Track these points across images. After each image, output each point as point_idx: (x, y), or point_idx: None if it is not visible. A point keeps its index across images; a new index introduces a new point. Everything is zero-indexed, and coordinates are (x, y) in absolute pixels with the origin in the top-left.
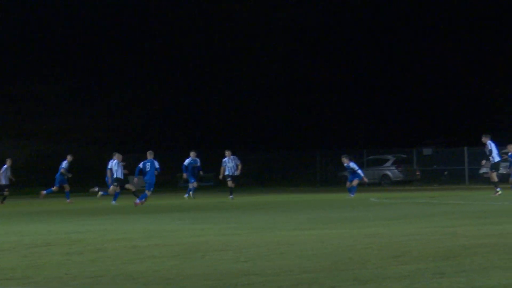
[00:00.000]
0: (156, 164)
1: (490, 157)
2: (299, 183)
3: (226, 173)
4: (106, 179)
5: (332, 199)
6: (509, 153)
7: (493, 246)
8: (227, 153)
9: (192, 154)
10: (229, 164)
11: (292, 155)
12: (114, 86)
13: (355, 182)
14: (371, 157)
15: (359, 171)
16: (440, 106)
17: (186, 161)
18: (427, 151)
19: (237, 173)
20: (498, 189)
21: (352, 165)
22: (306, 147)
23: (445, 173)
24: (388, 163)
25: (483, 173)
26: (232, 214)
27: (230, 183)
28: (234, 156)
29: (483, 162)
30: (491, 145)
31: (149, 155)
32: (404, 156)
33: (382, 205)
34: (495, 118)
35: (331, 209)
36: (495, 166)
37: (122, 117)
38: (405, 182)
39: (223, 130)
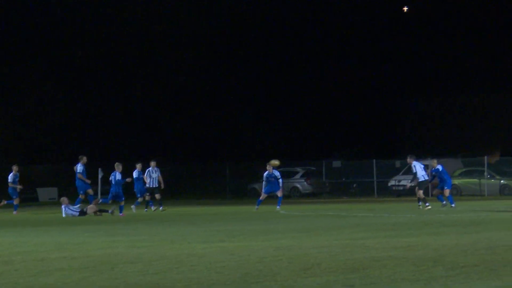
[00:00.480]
0: (118, 176)
1: (417, 177)
2: (208, 195)
3: (148, 185)
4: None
5: (241, 211)
6: (432, 168)
7: (402, 258)
8: (152, 163)
9: (138, 166)
10: (153, 175)
11: (201, 167)
12: (20, 95)
13: (280, 192)
14: (280, 169)
15: (280, 180)
16: (349, 119)
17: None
18: (336, 163)
19: (162, 186)
20: (427, 204)
21: (277, 173)
22: (215, 159)
23: (354, 185)
24: (298, 176)
25: (392, 185)
26: (142, 226)
27: (158, 196)
28: (157, 168)
29: (408, 184)
30: (416, 167)
31: (116, 167)
32: (313, 168)
33: (291, 218)
34: (403, 131)
35: (241, 222)
36: (421, 185)
37: (24, 128)
38: (315, 195)
39: (132, 142)
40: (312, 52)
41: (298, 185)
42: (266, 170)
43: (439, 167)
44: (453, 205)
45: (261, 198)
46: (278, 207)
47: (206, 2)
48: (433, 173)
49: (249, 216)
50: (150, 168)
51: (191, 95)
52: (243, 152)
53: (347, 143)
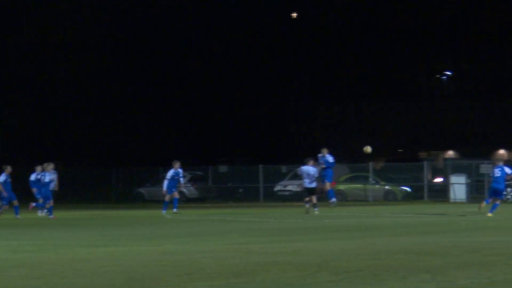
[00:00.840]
0: (48, 177)
1: (304, 182)
2: (94, 199)
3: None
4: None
5: (127, 216)
6: (322, 157)
7: (286, 263)
8: (50, 166)
9: (51, 166)
10: (52, 177)
11: (87, 171)
12: None
13: (171, 196)
14: (164, 174)
15: (182, 179)
16: (235, 124)
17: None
18: (222, 168)
19: (56, 188)
20: (315, 209)
21: (181, 171)
22: (101, 163)
23: (240, 190)
24: (185, 180)
25: (278, 190)
26: (25, 231)
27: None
28: (55, 170)
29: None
30: (302, 170)
31: (46, 167)
32: (200, 173)
33: (177, 222)
34: (289, 136)
35: (126, 226)
36: (306, 191)
37: None
38: (201, 199)
39: (18, 145)
40: (199, 57)
41: (184, 190)
42: (151, 174)
43: (330, 158)
44: (334, 199)
45: (177, 197)
46: (163, 211)
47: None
48: (322, 161)
49: (134, 221)
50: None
51: (79, 100)
52: (130, 157)
53: (234, 148)
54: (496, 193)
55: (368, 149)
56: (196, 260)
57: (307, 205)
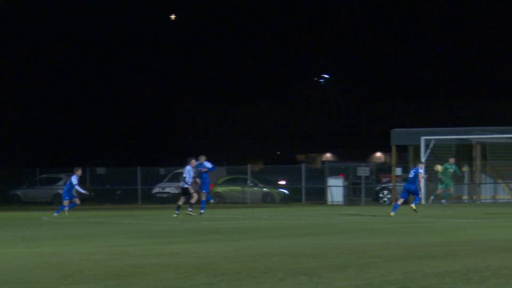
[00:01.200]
0: None
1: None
2: None
3: None
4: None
5: (3, 218)
6: (200, 164)
7: (164, 266)
8: None
9: None
10: None
11: None
12: None
13: (71, 201)
14: (44, 176)
15: (78, 187)
16: (113, 126)
17: None
18: (100, 170)
19: None
20: (189, 208)
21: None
22: None
23: (118, 192)
24: (61, 182)
25: (156, 192)
26: None
27: None
28: None
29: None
30: (186, 169)
31: None
32: None
33: (54, 224)
34: (167, 139)
35: (2, 228)
36: (181, 191)
37: None
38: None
39: None
40: (75, 57)
41: (62, 192)
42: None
43: (208, 164)
44: (202, 211)
45: (77, 202)
46: (56, 213)
47: None
48: (201, 168)
49: (10, 223)
50: None
51: None
52: (5, 159)
53: (112, 150)
54: (410, 193)
55: (438, 167)
56: (74, 263)
57: (177, 212)
